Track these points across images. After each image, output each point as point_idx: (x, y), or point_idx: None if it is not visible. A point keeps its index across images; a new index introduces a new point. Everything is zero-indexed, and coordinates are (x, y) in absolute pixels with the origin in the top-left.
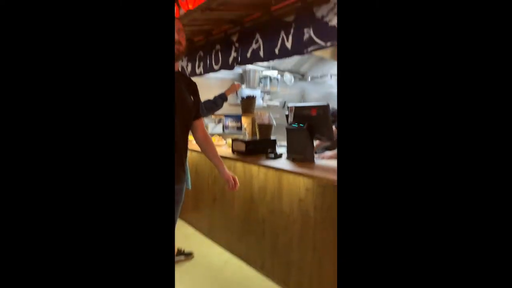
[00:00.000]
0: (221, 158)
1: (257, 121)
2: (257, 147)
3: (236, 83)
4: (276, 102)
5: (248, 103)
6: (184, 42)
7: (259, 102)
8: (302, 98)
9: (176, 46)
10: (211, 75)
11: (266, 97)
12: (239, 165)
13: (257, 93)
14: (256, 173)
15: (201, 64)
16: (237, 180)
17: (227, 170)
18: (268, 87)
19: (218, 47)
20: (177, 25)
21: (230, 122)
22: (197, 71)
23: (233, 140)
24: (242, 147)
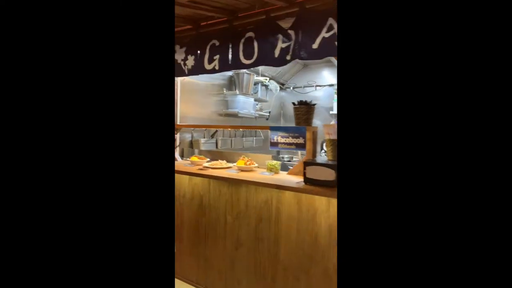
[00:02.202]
0: None
1: (327, 136)
2: None
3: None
4: (265, 113)
5: (306, 111)
6: None
7: (251, 112)
8: (281, 109)
9: None
10: (200, 77)
11: (257, 106)
12: (318, 203)
13: (250, 101)
14: None
15: (217, 57)
16: None
17: None
18: (259, 95)
19: (251, 34)
20: None
21: (281, 137)
22: (208, 66)
23: (307, 164)
24: (329, 175)
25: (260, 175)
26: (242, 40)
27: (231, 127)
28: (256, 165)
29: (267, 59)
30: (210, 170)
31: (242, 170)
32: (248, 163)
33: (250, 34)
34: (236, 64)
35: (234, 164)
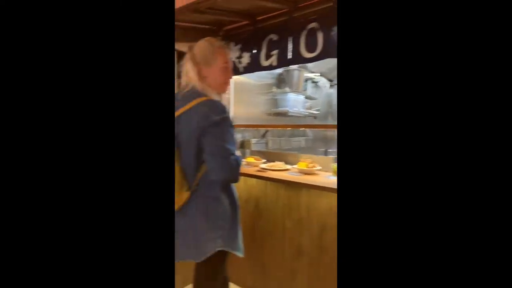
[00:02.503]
0: None
1: None
2: None
3: None
4: (315, 111)
5: None
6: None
7: (300, 111)
8: (330, 107)
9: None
10: (251, 76)
11: (306, 104)
12: None
13: (300, 98)
14: None
15: (275, 52)
16: None
17: None
18: (308, 92)
19: (314, 25)
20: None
21: None
22: (265, 63)
23: None
24: None
25: (326, 179)
26: (304, 32)
27: (292, 126)
28: (319, 167)
29: (333, 51)
30: (269, 172)
31: (304, 173)
32: (310, 165)
33: (313, 25)
34: (297, 59)
35: (293, 166)
